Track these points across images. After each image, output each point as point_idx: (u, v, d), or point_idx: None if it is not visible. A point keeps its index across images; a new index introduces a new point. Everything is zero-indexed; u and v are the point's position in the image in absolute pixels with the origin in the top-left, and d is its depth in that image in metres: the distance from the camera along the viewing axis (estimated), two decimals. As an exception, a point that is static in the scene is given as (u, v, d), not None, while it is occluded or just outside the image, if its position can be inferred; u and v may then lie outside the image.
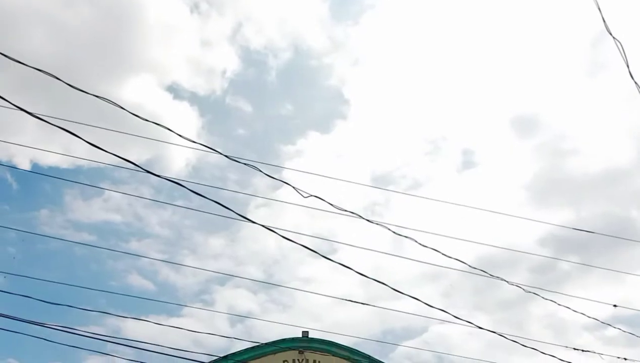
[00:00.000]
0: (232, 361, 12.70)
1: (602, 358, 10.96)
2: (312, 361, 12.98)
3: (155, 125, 6.37)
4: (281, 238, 7.27)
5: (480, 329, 8.66)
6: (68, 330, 7.36)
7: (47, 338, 7.88)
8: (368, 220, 9.37)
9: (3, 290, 7.87)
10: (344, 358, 13.05)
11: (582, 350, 11.26)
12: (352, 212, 9.02)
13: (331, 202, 8.46)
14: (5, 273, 9.82)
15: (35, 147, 12.63)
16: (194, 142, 6.71)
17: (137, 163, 6.39)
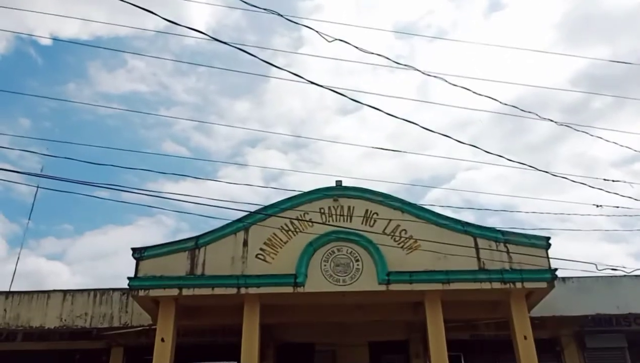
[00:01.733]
0: (270, 211, 13.36)
1: (632, 187, 11.11)
2: (346, 207, 13.54)
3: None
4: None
5: (510, 162, 8.76)
6: (114, 187, 7.73)
7: (97, 197, 8.33)
8: (396, 62, 9.16)
9: (48, 154, 8.19)
10: (378, 203, 13.54)
11: (613, 181, 11.41)
12: (379, 55, 8.79)
13: (357, 45, 8.24)
14: (48, 141, 10.16)
15: (58, 14, 12.35)
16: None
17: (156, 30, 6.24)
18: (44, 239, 54.81)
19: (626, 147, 9.95)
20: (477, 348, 15.16)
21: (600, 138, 9.61)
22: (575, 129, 9.33)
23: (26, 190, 55.79)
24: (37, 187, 15.30)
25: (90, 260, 51.24)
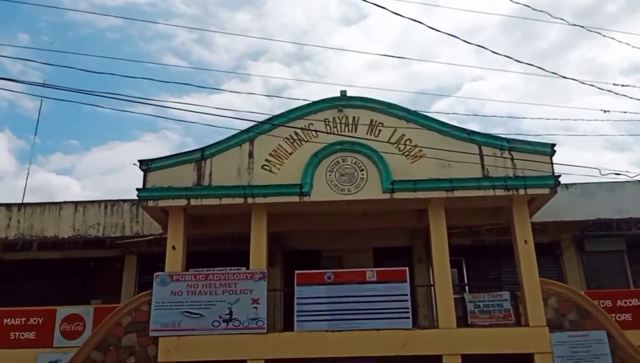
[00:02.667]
0: (275, 122, 13.31)
1: (642, 92, 10.91)
2: (351, 117, 13.46)
3: None
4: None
5: (517, 67, 8.56)
6: (117, 96, 7.66)
7: (100, 106, 8.28)
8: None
9: (49, 63, 8.05)
10: (382, 113, 13.44)
11: (622, 85, 11.22)
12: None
13: (362, -58, 7.84)
14: (48, 52, 9.93)
15: None
16: None
17: None
18: (51, 155, 55.29)
19: (638, 48, 9.65)
20: (479, 253, 15.64)
21: (613, 39, 9.31)
22: (588, 29, 9.06)
23: (31, 106, 55.53)
24: (42, 98, 15.23)
25: (99, 174, 51.97)
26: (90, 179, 51.73)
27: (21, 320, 13.40)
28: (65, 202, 15.24)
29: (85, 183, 51.49)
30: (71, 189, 50.29)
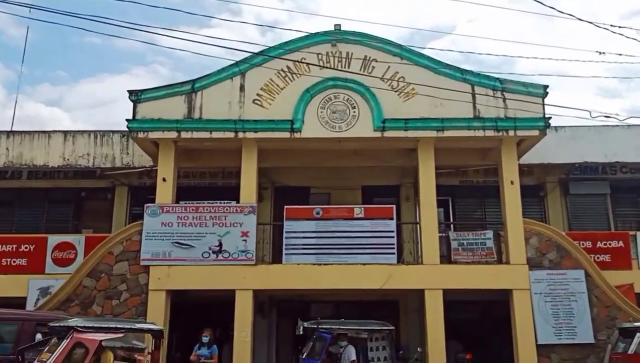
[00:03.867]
0: (266, 54, 13.10)
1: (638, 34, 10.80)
2: (345, 52, 13.26)
3: None
4: None
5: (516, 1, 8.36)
6: (104, 19, 7.48)
7: (86, 29, 8.08)
8: None
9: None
10: (376, 49, 13.25)
11: (619, 27, 11.09)
12: None
13: None
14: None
15: None
16: None
17: None
18: (39, 85, 54.22)
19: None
20: (465, 193, 15.87)
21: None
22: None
23: (17, 34, 53.85)
24: (27, 26, 14.77)
25: (89, 108, 51.23)
26: (79, 112, 51.04)
27: (12, 247, 13.58)
28: (55, 131, 15.10)
29: (75, 115, 50.86)
30: (60, 121, 49.70)
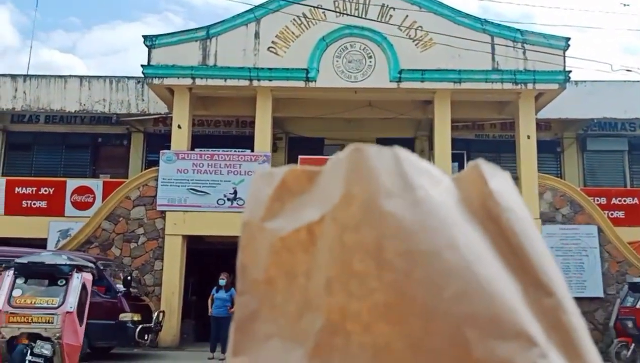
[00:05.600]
0: (283, 1, 12.87)
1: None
2: (362, 0, 12.97)
3: None
4: None
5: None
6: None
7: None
8: None
9: None
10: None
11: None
12: None
13: None
14: None
15: None
16: None
17: None
18: (53, 32, 53.94)
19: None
20: (481, 148, 15.74)
21: None
22: None
23: (29, -22, 53.21)
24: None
25: (102, 55, 51.03)
26: (93, 59, 50.86)
27: (32, 190, 13.88)
28: (71, 76, 15.13)
29: (89, 63, 50.73)
30: (75, 69, 49.68)
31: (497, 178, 0.45)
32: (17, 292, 6.32)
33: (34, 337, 6.18)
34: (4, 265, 6.98)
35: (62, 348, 6.25)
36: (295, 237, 0.44)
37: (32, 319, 6.24)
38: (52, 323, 6.26)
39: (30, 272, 6.56)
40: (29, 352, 6.07)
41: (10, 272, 6.37)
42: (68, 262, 6.89)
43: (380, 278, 0.39)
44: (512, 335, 0.38)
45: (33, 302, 6.36)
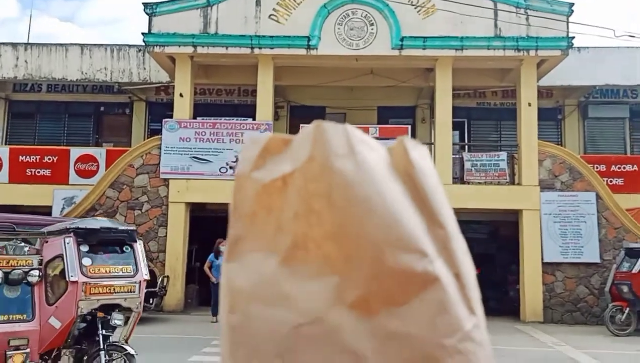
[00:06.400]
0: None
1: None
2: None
3: None
4: None
5: None
6: None
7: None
8: None
9: None
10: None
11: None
12: None
13: None
14: None
15: None
16: None
17: None
18: (52, 0, 53.26)
19: None
20: (482, 115, 15.79)
21: None
22: None
23: (25, -56, 52.25)
24: None
25: (102, 24, 50.50)
26: (93, 29, 50.38)
27: (36, 158, 14.00)
28: (72, 44, 15.09)
29: (89, 32, 50.25)
30: (75, 38, 49.23)
31: (416, 150, 0.66)
32: (86, 261, 5.53)
33: (109, 308, 5.63)
34: (47, 232, 5.96)
35: (136, 317, 5.95)
36: (273, 184, 0.65)
37: (114, 289, 5.67)
38: (134, 292, 5.78)
39: (96, 239, 5.78)
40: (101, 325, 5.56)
41: (70, 239, 5.48)
42: (130, 228, 6.39)
43: (329, 213, 0.61)
44: (412, 250, 0.60)
45: (108, 271, 5.72)
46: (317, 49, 12.79)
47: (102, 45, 15.06)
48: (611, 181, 13.64)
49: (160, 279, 11.22)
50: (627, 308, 10.64)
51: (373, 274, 0.60)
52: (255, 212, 0.68)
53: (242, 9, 12.98)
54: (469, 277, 0.68)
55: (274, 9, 12.93)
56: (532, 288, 12.28)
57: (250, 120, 13.40)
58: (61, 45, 15.03)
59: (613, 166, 13.97)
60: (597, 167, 13.53)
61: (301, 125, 13.26)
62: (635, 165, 14.04)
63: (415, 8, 12.75)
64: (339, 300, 0.61)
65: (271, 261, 0.63)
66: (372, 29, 12.79)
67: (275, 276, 0.63)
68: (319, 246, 0.61)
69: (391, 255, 0.60)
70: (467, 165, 13.30)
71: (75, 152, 14.01)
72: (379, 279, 0.60)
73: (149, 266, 11.43)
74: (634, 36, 9.96)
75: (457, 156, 13.75)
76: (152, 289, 10.62)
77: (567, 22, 12.48)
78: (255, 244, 0.65)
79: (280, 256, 0.65)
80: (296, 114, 15.64)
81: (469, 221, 13.19)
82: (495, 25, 12.65)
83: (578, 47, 13.78)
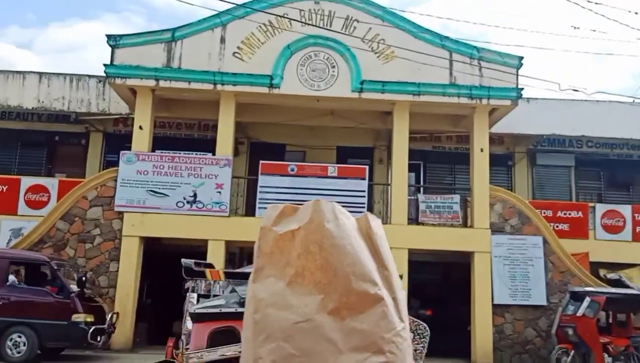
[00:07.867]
0: (249, 7, 13.01)
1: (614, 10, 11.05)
2: (327, 10, 13.26)
3: None
4: None
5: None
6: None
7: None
8: None
9: None
10: (359, 9, 13.29)
11: (595, 3, 11.33)
12: None
13: None
14: None
15: None
16: None
17: None
18: (8, 27, 52.28)
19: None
20: (437, 159, 16.28)
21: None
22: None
23: (-16, -32, 51.33)
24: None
25: (59, 52, 49.75)
26: (50, 56, 49.54)
27: (-16, 187, 13.52)
28: (29, 72, 14.82)
29: (46, 59, 49.36)
30: (32, 66, 48.17)
31: (375, 221, 2.04)
32: None
33: None
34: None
35: None
36: (285, 235, 1.78)
37: None
38: None
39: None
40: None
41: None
42: None
43: (320, 254, 1.78)
44: (368, 280, 1.92)
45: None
46: (279, 88, 13.01)
47: (61, 74, 14.84)
48: (557, 226, 14.24)
49: (109, 316, 10.89)
50: (572, 351, 10.96)
51: (344, 293, 1.60)
52: (273, 252, 1.59)
53: (206, 45, 13.13)
54: (402, 300, 1.77)
55: (238, 47, 13.14)
56: (482, 330, 12.53)
57: (209, 155, 13.40)
58: (19, 72, 14.74)
59: (559, 212, 14.60)
60: (544, 212, 14.11)
61: (261, 161, 13.41)
62: (580, 212, 14.71)
63: (375, 53, 13.20)
64: (322, 309, 1.74)
65: (281, 283, 1.89)
66: (333, 71, 13.14)
67: (283, 292, 1.81)
68: (312, 274, 1.63)
69: (356, 282, 1.72)
70: (422, 206, 13.64)
71: (27, 182, 13.63)
72: (348, 297, 1.68)
73: (97, 302, 11.17)
74: (577, 90, 10.61)
75: (413, 197, 14.09)
76: (100, 326, 10.30)
77: (517, 75, 13.17)
78: (271, 272, 1.81)
79: (287, 280, 1.56)
80: (256, 151, 15.73)
81: (423, 262, 13.44)
82: (451, 74, 13.21)
83: (527, 98, 14.52)
